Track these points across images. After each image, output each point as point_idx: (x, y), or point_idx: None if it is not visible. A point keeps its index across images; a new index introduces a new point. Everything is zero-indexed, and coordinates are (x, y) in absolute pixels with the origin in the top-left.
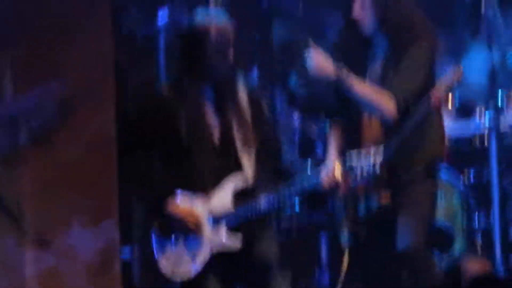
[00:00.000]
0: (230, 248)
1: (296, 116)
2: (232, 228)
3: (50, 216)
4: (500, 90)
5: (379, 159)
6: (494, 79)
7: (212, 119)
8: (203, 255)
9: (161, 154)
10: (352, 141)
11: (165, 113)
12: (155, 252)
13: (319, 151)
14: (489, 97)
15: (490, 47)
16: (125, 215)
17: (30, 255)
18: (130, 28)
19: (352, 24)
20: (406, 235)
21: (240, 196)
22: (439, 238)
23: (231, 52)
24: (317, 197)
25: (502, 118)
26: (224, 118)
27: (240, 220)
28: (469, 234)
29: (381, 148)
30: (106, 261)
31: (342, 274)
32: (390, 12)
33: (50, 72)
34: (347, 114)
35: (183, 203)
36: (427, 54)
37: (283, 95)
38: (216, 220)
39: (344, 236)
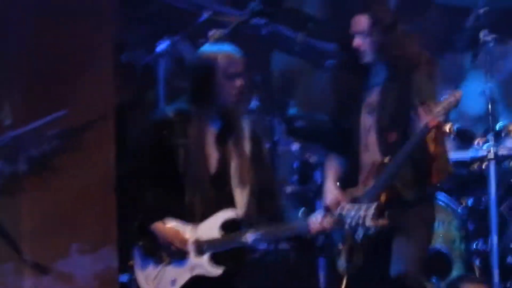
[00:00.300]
0: (211, 274)
1: (295, 145)
2: (216, 257)
3: (48, 243)
4: (498, 118)
5: (370, 214)
6: (492, 106)
7: (212, 150)
8: (183, 278)
9: (157, 180)
10: (350, 174)
11: (166, 140)
12: (135, 268)
13: (318, 179)
14: (488, 124)
15: (488, 75)
16: (124, 243)
17: (29, 281)
18: (131, 57)
19: (348, 54)
20: (400, 261)
21: (228, 229)
22: (437, 264)
23: (240, 81)
24: (306, 241)
25: (500, 144)
26: (223, 150)
27: (225, 250)
28: (468, 260)
29: (373, 205)
30: (104, 287)
31: None
32: (388, 40)
33: (52, 104)
34: (345, 147)
35: (171, 226)
36: (430, 80)
37: (282, 124)
38: (200, 247)
39: (342, 262)
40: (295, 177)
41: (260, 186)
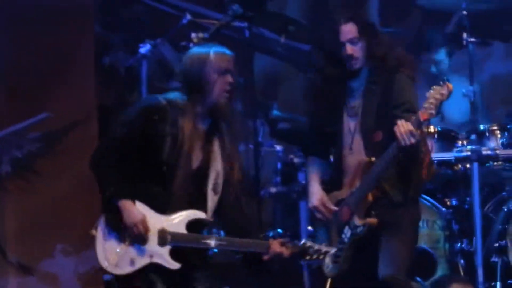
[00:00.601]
0: (168, 265)
1: (278, 146)
2: (176, 251)
3: (33, 244)
4: (480, 119)
5: (330, 255)
6: (474, 107)
7: (197, 147)
8: (142, 262)
9: (137, 161)
10: (334, 177)
11: (154, 124)
12: (96, 239)
13: (301, 180)
14: (471, 125)
15: (470, 77)
16: None
17: (13, 282)
18: (113, 59)
19: (329, 59)
20: (388, 262)
21: (195, 228)
22: (422, 263)
23: (230, 77)
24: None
25: (484, 145)
26: (208, 150)
27: (185, 247)
28: (452, 259)
29: (334, 249)
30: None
31: None
32: (374, 44)
33: (35, 106)
34: (328, 150)
35: (139, 209)
36: (411, 82)
37: (265, 126)
38: (164, 238)
39: (328, 264)
40: (278, 178)
41: (229, 197)
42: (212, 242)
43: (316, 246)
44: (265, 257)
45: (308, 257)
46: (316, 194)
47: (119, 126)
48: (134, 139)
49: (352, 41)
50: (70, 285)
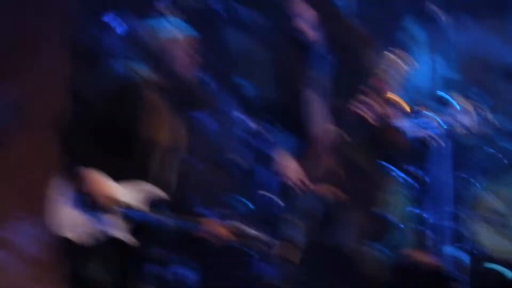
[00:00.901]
0: (124, 238)
1: (250, 123)
2: (133, 226)
3: None
4: (446, 91)
5: (271, 245)
6: (441, 81)
7: (162, 123)
8: (98, 232)
9: (105, 133)
10: (301, 148)
11: (127, 97)
12: (56, 201)
13: (269, 153)
14: (439, 97)
15: (435, 51)
16: None
17: None
18: (81, 33)
19: (292, 37)
20: (351, 231)
21: (151, 203)
22: (384, 232)
23: (194, 53)
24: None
25: (451, 116)
26: (170, 125)
27: (139, 222)
28: (416, 229)
29: (277, 242)
30: (48, 252)
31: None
32: (335, 27)
33: (5, 77)
34: (295, 123)
35: (101, 180)
36: (377, 56)
37: (234, 99)
38: (119, 211)
39: (297, 234)
40: (246, 151)
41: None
42: (161, 218)
43: (247, 230)
44: (200, 235)
45: (238, 240)
46: (291, 166)
47: (89, 95)
48: (103, 110)
49: (307, 21)
50: (26, 251)
